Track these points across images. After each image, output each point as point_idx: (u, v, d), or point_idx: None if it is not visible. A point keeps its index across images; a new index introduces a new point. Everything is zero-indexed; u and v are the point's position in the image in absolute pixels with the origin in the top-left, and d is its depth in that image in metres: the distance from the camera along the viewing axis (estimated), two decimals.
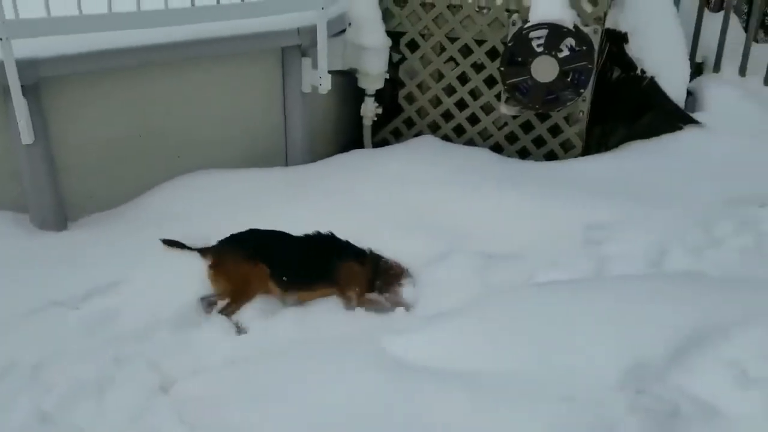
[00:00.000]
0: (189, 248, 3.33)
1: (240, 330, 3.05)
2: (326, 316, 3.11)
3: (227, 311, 3.12)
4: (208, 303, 3.17)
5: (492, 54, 4.74)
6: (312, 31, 4.19)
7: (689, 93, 5.18)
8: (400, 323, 2.89)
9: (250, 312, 3.14)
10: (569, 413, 2.04)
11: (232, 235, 3.37)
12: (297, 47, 4.29)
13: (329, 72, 4.35)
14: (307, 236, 3.39)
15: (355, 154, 4.64)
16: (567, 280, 3.24)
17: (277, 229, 3.46)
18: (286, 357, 2.46)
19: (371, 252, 3.45)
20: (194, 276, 3.17)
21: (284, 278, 3.22)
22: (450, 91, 4.97)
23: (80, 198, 3.73)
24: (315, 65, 4.30)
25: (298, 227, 3.47)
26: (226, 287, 3.17)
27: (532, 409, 2.05)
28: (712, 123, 4.80)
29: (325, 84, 4.30)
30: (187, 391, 2.41)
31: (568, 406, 2.07)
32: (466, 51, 4.82)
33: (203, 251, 3.30)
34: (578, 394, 2.12)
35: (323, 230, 3.41)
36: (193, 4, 3.82)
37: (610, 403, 2.09)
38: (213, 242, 3.40)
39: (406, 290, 3.32)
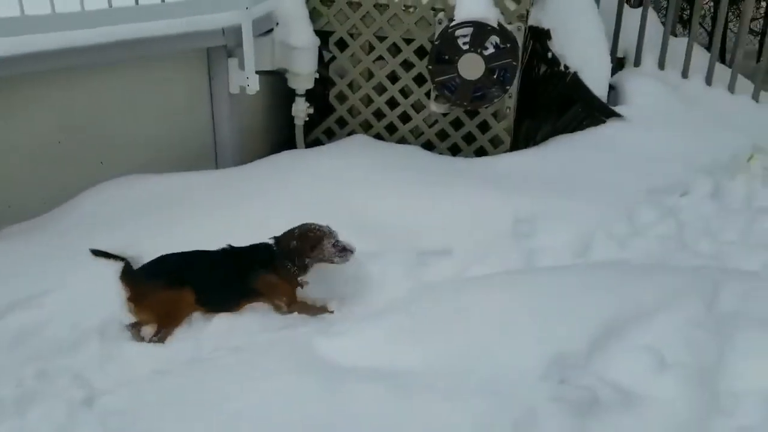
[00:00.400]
0: (118, 258, 3.23)
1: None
2: (257, 322, 3.07)
3: (159, 338, 2.99)
4: (135, 329, 3.04)
5: (420, 52, 4.79)
6: (237, 31, 4.12)
7: (612, 87, 5.35)
8: (332, 325, 2.88)
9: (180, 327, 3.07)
10: (493, 406, 2.09)
11: (146, 265, 3.21)
12: (223, 48, 4.23)
13: (257, 72, 4.29)
14: (223, 251, 3.25)
15: (287, 154, 4.60)
16: (495, 273, 3.32)
17: (207, 233, 3.40)
18: (214, 366, 2.43)
19: (280, 237, 3.27)
20: (119, 287, 3.08)
21: (208, 302, 3.13)
22: (381, 89, 5.00)
23: None
24: (242, 66, 4.25)
25: (229, 231, 3.42)
26: (150, 318, 3.04)
27: (458, 404, 2.09)
28: (634, 116, 4.98)
29: (253, 85, 4.25)
30: (112, 404, 2.34)
31: (492, 399, 2.12)
32: (394, 50, 4.85)
33: (122, 279, 3.14)
34: (502, 387, 2.18)
35: (250, 234, 3.35)
36: (110, 6, 3.70)
37: (533, 394, 2.15)
38: (141, 252, 3.31)
39: (333, 248, 3.21)
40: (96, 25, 3.53)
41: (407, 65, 4.89)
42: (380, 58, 4.90)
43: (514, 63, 4.47)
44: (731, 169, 4.77)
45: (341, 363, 2.37)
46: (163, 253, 3.26)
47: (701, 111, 5.18)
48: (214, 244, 3.45)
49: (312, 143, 5.09)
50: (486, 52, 4.44)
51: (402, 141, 5.04)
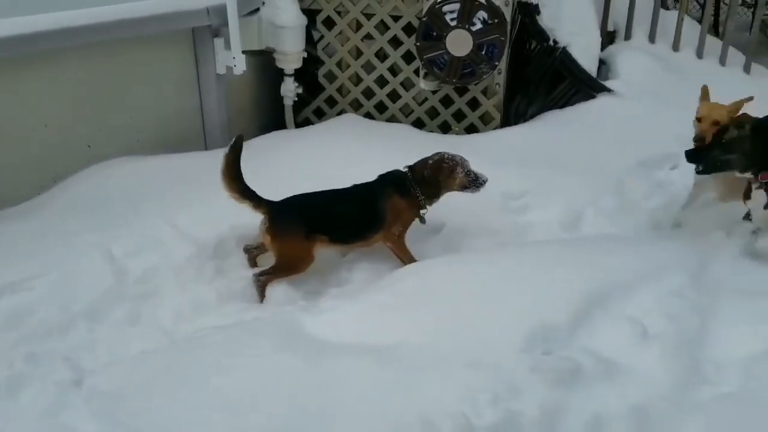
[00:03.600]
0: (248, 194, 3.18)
1: (263, 299, 3.16)
2: (246, 303, 3.09)
3: (263, 280, 3.17)
4: (252, 254, 3.35)
5: (408, 29, 4.76)
6: (222, 10, 4.10)
7: (602, 61, 5.32)
8: (319, 303, 2.90)
9: (168, 308, 3.08)
10: (476, 378, 2.11)
11: (288, 202, 3.26)
12: (208, 28, 4.20)
13: (244, 52, 4.27)
14: (356, 186, 3.40)
15: (277, 135, 4.59)
16: (483, 249, 3.33)
17: (196, 215, 3.41)
18: (201, 344, 2.44)
19: (414, 165, 3.43)
20: (107, 269, 3.08)
21: (341, 239, 3.32)
22: (369, 68, 4.97)
23: None
24: (228, 46, 4.22)
25: (218, 212, 3.43)
26: (277, 260, 3.21)
27: (441, 377, 2.11)
28: (624, 90, 4.96)
29: (240, 65, 4.23)
30: (101, 384, 2.35)
31: (475, 371, 2.14)
32: (382, 27, 4.81)
33: (258, 204, 3.18)
34: (485, 359, 2.20)
35: (239, 215, 3.36)
36: None
37: (515, 365, 2.17)
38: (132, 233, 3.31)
39: (466, 178, 3.36)
40: (78, 6, 3.51)
41: (396, 42, 4.86)
42: (368, 36, 4.87)
43: (503, 38, 4.43)
44: None
45: (327, 339, 2.38)
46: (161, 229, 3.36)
47: (692, 84, 5.13)
48: (203, 225, 3.49)
49: (302, 123, 5.08)
50: (474, 28, 4.41)
51: (392, 119, 5.02)
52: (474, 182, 3.38)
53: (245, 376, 2.19)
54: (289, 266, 3.25)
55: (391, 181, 3.42)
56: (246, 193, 3.15)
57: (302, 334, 2.46)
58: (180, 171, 4.01)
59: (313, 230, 3.24)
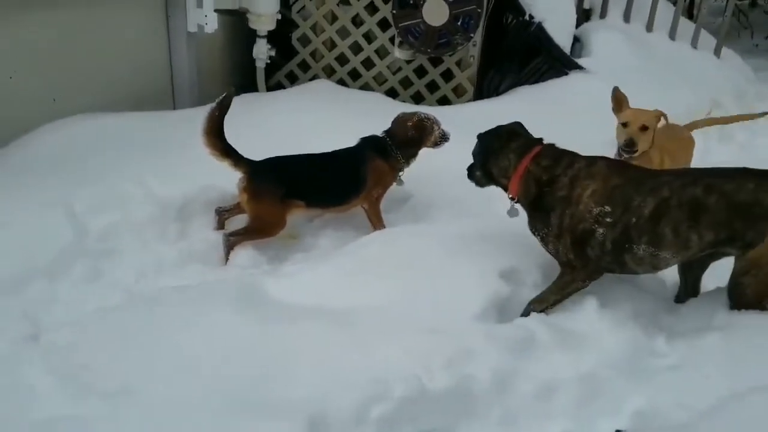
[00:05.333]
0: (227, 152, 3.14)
1: (227, 260, 3.16)
2: (210, 264, 3.09)
3: (233, 240, 3.19)
4: (222, 216, 3.34)
5: None
6: None
7: (576, 39, 5.34)
8: (282, 267, 2.91)
9: (129, 266, 3.06)
10: (430, 343, 2.14)
11: (269, 162, 3.26)
12: None
13: (217, 11, 4.20)
14: (336, 151, 3.42)
15: (247, 97, 4.53)
16: (448, 219, 3.36)
17: (160, 172, 3.38)
18: (158, 303, 2.44)
19: (392, 128, 3.51)
20: (68, 225, 3.04)
21: (319, 203, 3.36)
22: (344, 33, 4.92)
23: None
24: (200, 3, 4.14)
25: (182, 172, 3.41)
26: (251, 221, 3.21)
27: (396, 340, 2.14)
28: (596, 68, 5.00)
29: (211, 23, 4.16)
30: (57, 340, 2.34)
31: (430, 336, 2.17)
32: None
33: (238, 162, 3.16)
34: (442, 326, 2.23)
35: (203, 176, 3.35)
36: None
37: (471, 333, 2.22)
38: (95, 187, 3.27)
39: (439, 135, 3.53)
40: None
41: (372, 9, 4.81)
42: (344, 0, 4.81)
43: (479, 10, 4.43)
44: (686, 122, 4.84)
45: (287, 301, 2.40)
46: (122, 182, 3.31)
47: (663, 65, 5.21)
48: (169, 186, 3.45)
49: (274, 87, 5.02)
50: None
51: (365, 87, 5.00)
52: (443, 138, 3.57)
53: (202, 335, 2.19)
54: (261, 228, 3.25)
55: (371, 144, 3.48)
56: (227, 151, 3.14)
57: (262, 296, 2.47)
58: (147, 130, 3.95)
59: (291, 194, 3.24)
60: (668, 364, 2.26)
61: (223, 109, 3.07)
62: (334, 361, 2.03)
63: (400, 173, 3.56)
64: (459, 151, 3.47)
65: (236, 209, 3.36)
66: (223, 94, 3.07)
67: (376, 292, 2.45)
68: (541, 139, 2.62)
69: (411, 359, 2.06)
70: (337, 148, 3.47)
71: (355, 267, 2.66)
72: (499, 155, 2.60)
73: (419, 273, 2.56)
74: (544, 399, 2.10)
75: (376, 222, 3.50)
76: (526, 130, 2.71)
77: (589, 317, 2.42)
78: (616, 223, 2.31)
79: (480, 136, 2.71)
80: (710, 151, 4.91)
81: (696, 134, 4.87)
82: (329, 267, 2.68)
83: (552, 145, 2.58)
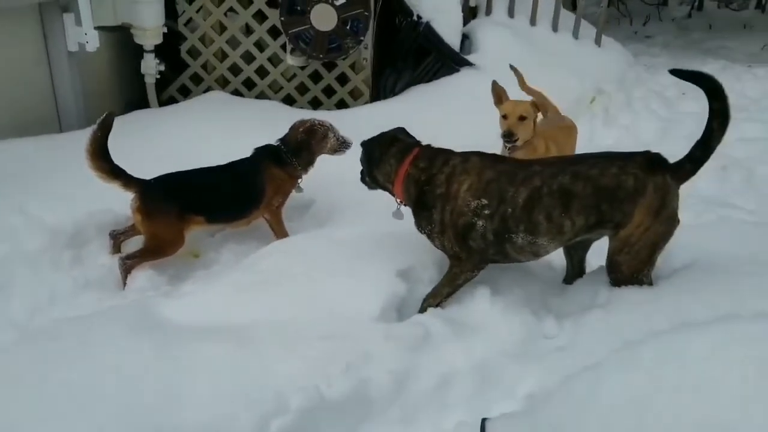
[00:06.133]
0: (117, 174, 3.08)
1: (125, 285, 3.11)
2: (103, 294, 3.01)
3: (129, 264, 3.13)
4: (118, 240, 3.27)
5: (273, 2, 4.71)
6: None
7: (466, 36, 5.51)
8: (179, 288, 2.86)
9: (21, 300, 2.94)
10: (329, 350, 2.17)
11: (161, 180, 3.20)
12: (55, 2, 3.96)
13: (97, 28, 4.07)
14: (230, 163, 3.39)
15: (138, 114, 4.43)
16: (348, 222, 3.40)
17: (42, 197, 3.26)
18: (48, 337, 2.34)
19: (286, 136, 3.50)
20: None
21: (219, 218, 3.34)
22: (235, 43, 4.88)
23: None
24: (79, 21, 4.00)
25: (67, 195, 3.31)
26: (147, 241, 3.15)
27: (295, 352, 2.15)
28: (485, 63, 5.17)
29: (93, 41, 4.03)
30: None
31: (328, 343, 2.21)
32: (245, 1, 4.73)
33: (128, 183, 3.09)
34: (341, 332, 2.27)
35: (90, 199, 3.28)
36: None
37: (369, 335, 2.27)
38: None
39: (336, 141, 3.53)
40: None
41: (261, 17, 4.80)
42: (231, 9, 4.76)
43: (366, 13, 4.49)
44: (575, 111, 5.09)
45: (183, 323, 2.35)
46: None
47: (548, 57, 5.45)
48: (58, 212, 3.33)
49: (166, 102, 4.92)
50: (337, 3, 4.43)
51: (261, 96, 4.97)
52: (343, 145, 3.55)
53: (96, 367, 2.12)
54: (158, 248, 3.19)
55: (267, 153, 3.46)
56: (114, 172, 3.06)
57: (158, 319, 2.41)
58: (31, 155, 3.79)
59: (188, 209, 3.20)
60: (557, 345, 2.39)
61: (105, 129, 2.99)
62: (233, 380, 2.03)
63: (299, 181, 3.56)
64: (358, 154, 3.54)
65: (131, 231, 3.29)
66: (104, 114, 2.99)
67: (274, 305, 2.45)
68: (418, 143, 2.71)
69: (309, 369, 2.08)
70: (232, 160, 3.44)
71: (252, 281, 2.65)
72: (381, 162, 2.69)
73: (317, 280, 2.58)
74: (441, 392, 2.17)
75: (279, 232, 3.49)
76: (408, 134, 2.79)
77: (481, 306, 2.53)
78: (494, 215, 2.41)
79: (363, 144, 2.78)
80: (596, 134, 5.18)
81: (582, 118, 5.17)
82: (226, 283, 2.66)
83: (428, 147, 2.68)
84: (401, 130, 2.79)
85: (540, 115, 3.45)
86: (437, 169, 2.52)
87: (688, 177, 2.35)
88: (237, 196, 3.36)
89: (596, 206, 2.35)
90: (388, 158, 2.65)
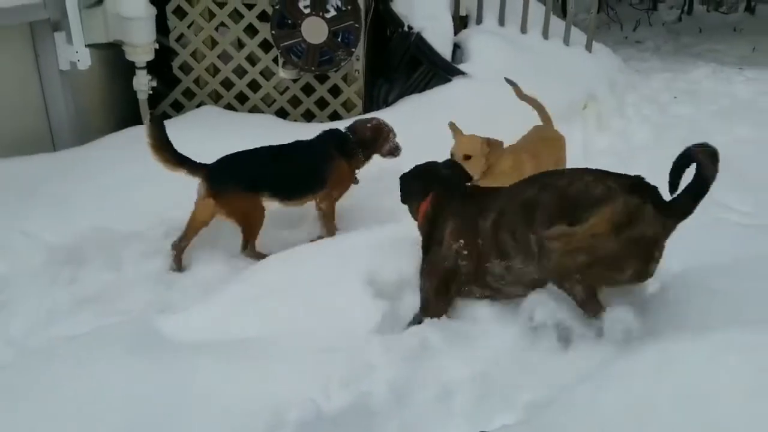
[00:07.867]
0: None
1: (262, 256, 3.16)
2: (102, 309, 2.99)
3: (248, 249, 3.28)
4: (176, 246, 3.31)
5: (263, 17, 4.72)
6: (61, 2, 3.89)
7: (457, 46, 5.52)
8: (178, 302, 2.86)
9: (20, 319, 2.93)
10: (330, 362, 2.17)
11: (224, 162, 3.30)
12: (47, 21, 3.96)
13: (89, 46, 4.08)
14: (296, 142, 3.47)
15: (131, 131, 4.41)
16: (354, 231, 3.39)
17: (36, 216, 3.27)
18: (49, 355, 2.34)
19: (354, 126, 3.57)
20: None
21: (282, 196, 3.40)
22: (227, 58, 4.89)
23: None
24: (70, 40, 4.01)
25: (61, 212, 3.33)
26: (234, 220, 3.27)
27: (296, 365, 2.15)
28: (477, 72, 5.17)
29: (84, 59, 4.03)
30: None
31: (329, 356, 2.20)
32: (236, 15, 4.74)
33: (195, 168, 3.21)
34: (339, 344, 2.26)
35: (85, 216, 3.29)
36: None
37: (368, 347, 2.26)
38: None
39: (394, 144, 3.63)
40: None
41: (252, 31, 4.81)
42: (222, 24, 4.78)
43: (357, 25, 4.50)
44: (568, 118, 5.10)
45: (182, 339, 2.36)
46: None
47: (539, 64, 5.46)
48: (56, 230, 3.34)
49: None
50: (328, 15, 4.45)
51: (254, 110, 4.98)
52: (397, 149, 3.65)
53: (96, 385, 2.12)
54: (247, 221, 3.30)
55: (334, 139, 3.56)
56: (180, 160, 3.18)
57: (157, 336, 2.41)
58: (26, 175, 3.79)
59: (252, 187, 3.30)
60: (556, 353, 2.38)
61: (158, 123, 3.14)
62: (231, 396, 2.02)
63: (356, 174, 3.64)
64: None
65: (189, 234, 3.34)
66: (151, 116, 3.22)
67: (272, 318, 2.45)
68: (438, 185, 2.75)
69: (308, 382, 2.08)
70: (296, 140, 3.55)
71: (251, 293, 2.65)
72: (408, 198, 2.87)
73: (315, 292, 2.58)
74: (442, 403, 2.16)
75: (330, 226, 3.58)
76: (435, 168, 2.88)
77: (478, 314, 2.53)
78: (471, 252, 2.49)
79: (400, 178, 2.93)
80: (589, 140, 5.19)
81: (574, 125, 5.18)
82: (224, 298, 2.65)
83: (440, 191, 2.73)
84: (432, 165, 2.89)
85: (495, 147, 3.36)
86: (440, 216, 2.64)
87: (677, 216, 2.22)
88: (301, 177, 3.44)
89: (559, 211, 2.27)
90: (411, 199, 2.84)
